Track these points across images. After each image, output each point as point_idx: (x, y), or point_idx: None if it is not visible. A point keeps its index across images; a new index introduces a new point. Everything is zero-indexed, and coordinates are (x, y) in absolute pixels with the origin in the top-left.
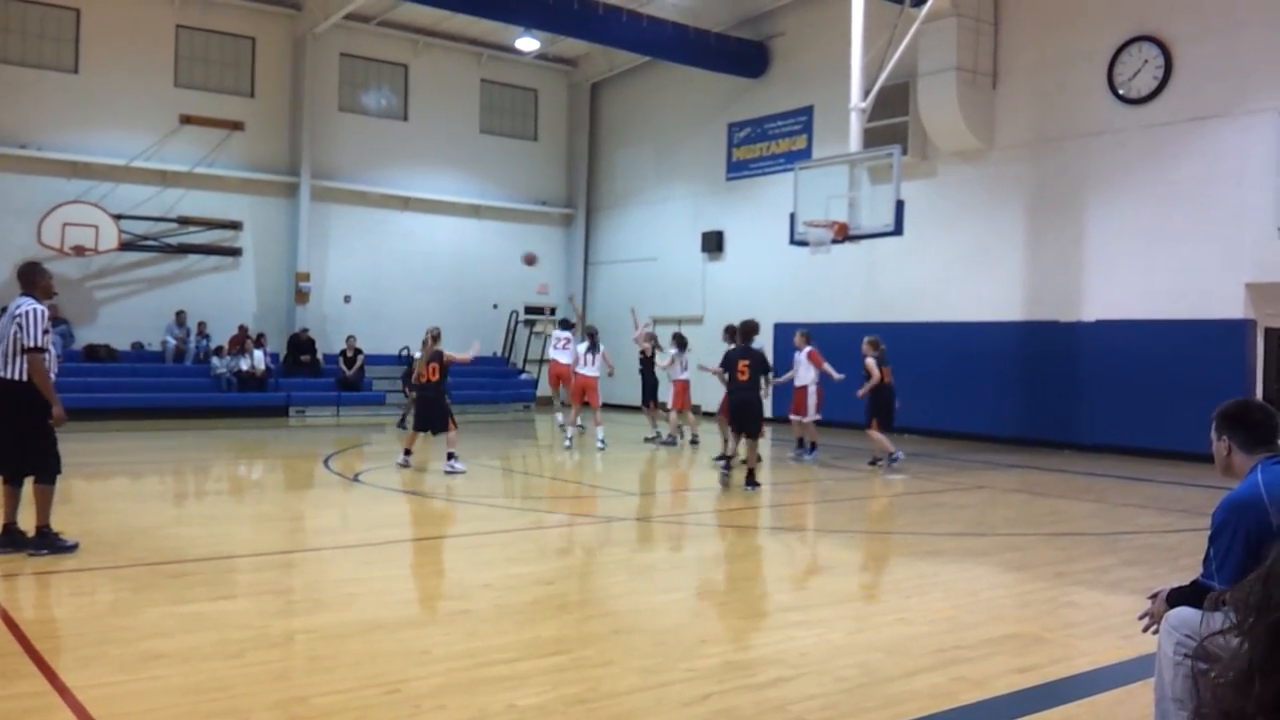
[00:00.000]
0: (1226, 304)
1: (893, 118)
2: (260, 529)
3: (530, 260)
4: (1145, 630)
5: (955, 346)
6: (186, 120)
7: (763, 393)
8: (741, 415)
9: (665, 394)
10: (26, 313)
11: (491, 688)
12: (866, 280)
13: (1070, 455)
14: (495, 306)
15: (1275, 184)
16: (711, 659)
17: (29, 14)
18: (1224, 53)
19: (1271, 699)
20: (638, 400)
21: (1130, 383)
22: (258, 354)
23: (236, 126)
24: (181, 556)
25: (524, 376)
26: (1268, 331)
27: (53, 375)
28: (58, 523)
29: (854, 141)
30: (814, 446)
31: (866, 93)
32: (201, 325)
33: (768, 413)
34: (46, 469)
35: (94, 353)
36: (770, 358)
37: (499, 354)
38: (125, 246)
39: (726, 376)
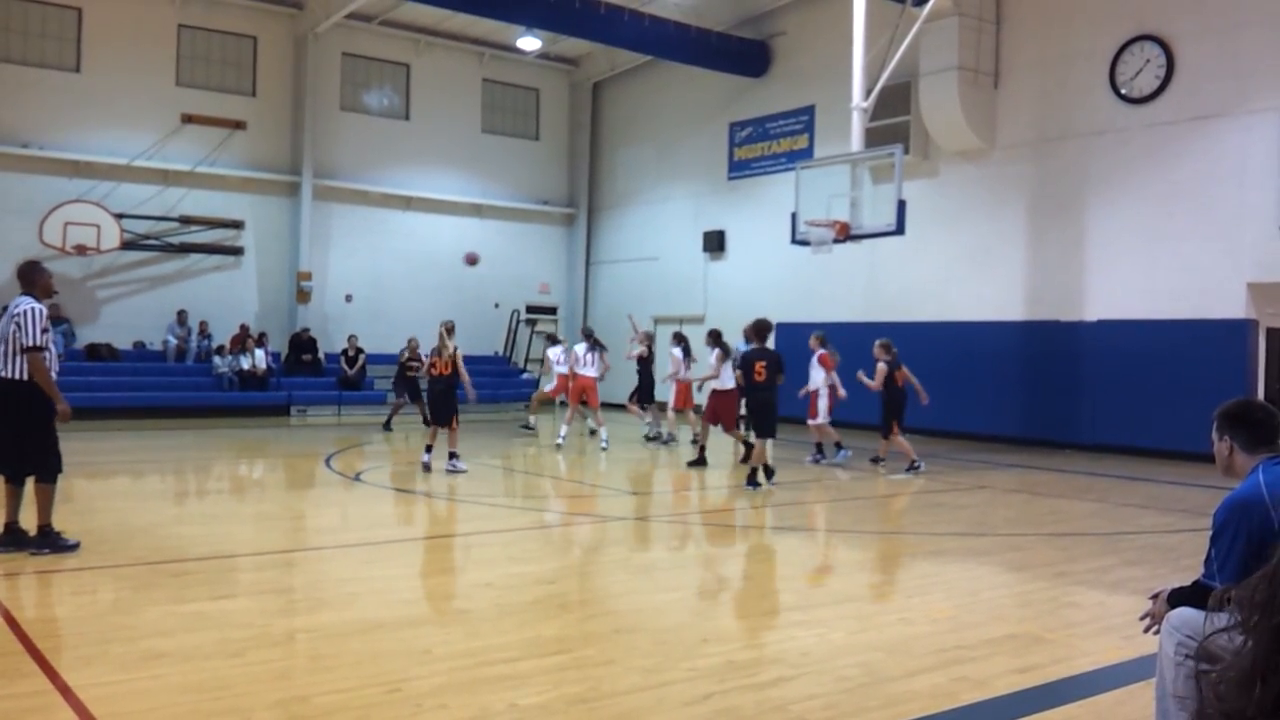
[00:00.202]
0: (1228, 304)
1: (894, 117)
2: (261, 528)
3: (472, 260)
4: (1146, 630)
5: (957, 346)
6: (188, 119)
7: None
8: (759, 416)
9: (665, 393)
10: (25, 312)
11: (493, 687)
12: (868, 280)
13: (1071, 455)
14: (496, 306)
15: (1277, 183)
16: (713, 658)
17: (31, 13)
18: (1226, 52)
19: (1272, 702)
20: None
21: (1132, 382)
22: (259, 353)
23: (238, 126)
24: (183, 555)
25: (525, 376)
26: (1269, 331)
27: (53, 374)
28: (59, 522)
29: (855, 141)
30: (840, 446)
31: (868, 92)
32: (203, 325)
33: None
34: (47, 468)
35: (95, 352)
36: None
37: (500, 353)
38: (127, 246)
39: (741, 377)
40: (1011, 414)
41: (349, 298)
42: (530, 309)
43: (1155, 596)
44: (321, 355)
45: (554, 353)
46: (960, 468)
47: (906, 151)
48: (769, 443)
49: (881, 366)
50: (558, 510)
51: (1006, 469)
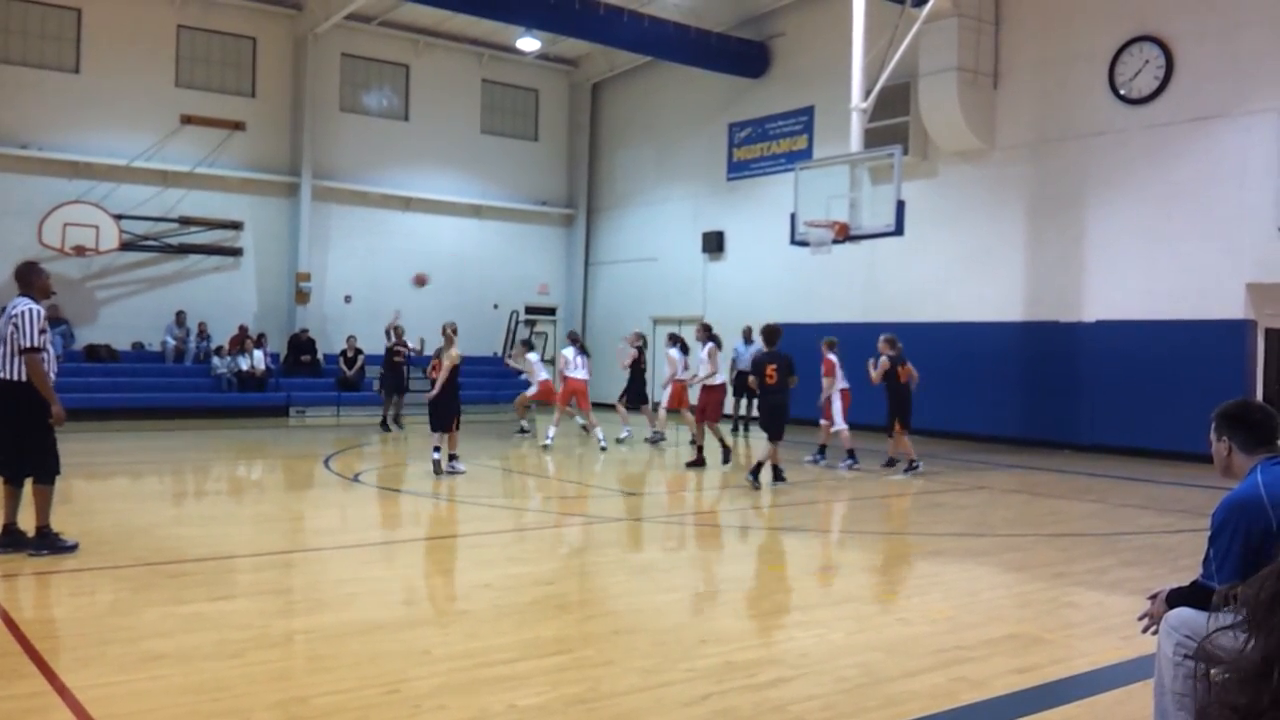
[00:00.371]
0: (1227, 304)
1: (894, 118)
2: (260, 529)
3: (420, 281)
4: (1145, 631)
5: (956, 347)
6: (187, 120)
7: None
8: (770, 418)
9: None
10: (23, 313)
11: (492, 688)
12: (867, 280)
13: (1070, 456)
14: (496, 306)
15: (1276, 184)
16: (711, 659)
17: (30, 14)
18: (1225, 53)
19: None
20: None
21: (1131, 383)
22: (258, 354)
23: (237, 127)
24: (181, 556)
25: (524, 377)
26: (1268, 332)
27: (52, 375)
28: (58, 523)
29: (855, 141)
30: (851, 454)
31: (867, 93)
32: (202, 325)
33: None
34: (46, 469)
35: (94, 353)
36: None
37: (499, 354)
38: (126, 247)
39: (754, 380)
40: (1011, 415)
41: (348, 299)
42: (529, 310)
43: (1154, 597)
44: (320, 356)
45: (534, 357)
46: (959, 468)
47: (906, 152)
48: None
49: (884, 360)
50: (556, 511)
51: (1005, 469)
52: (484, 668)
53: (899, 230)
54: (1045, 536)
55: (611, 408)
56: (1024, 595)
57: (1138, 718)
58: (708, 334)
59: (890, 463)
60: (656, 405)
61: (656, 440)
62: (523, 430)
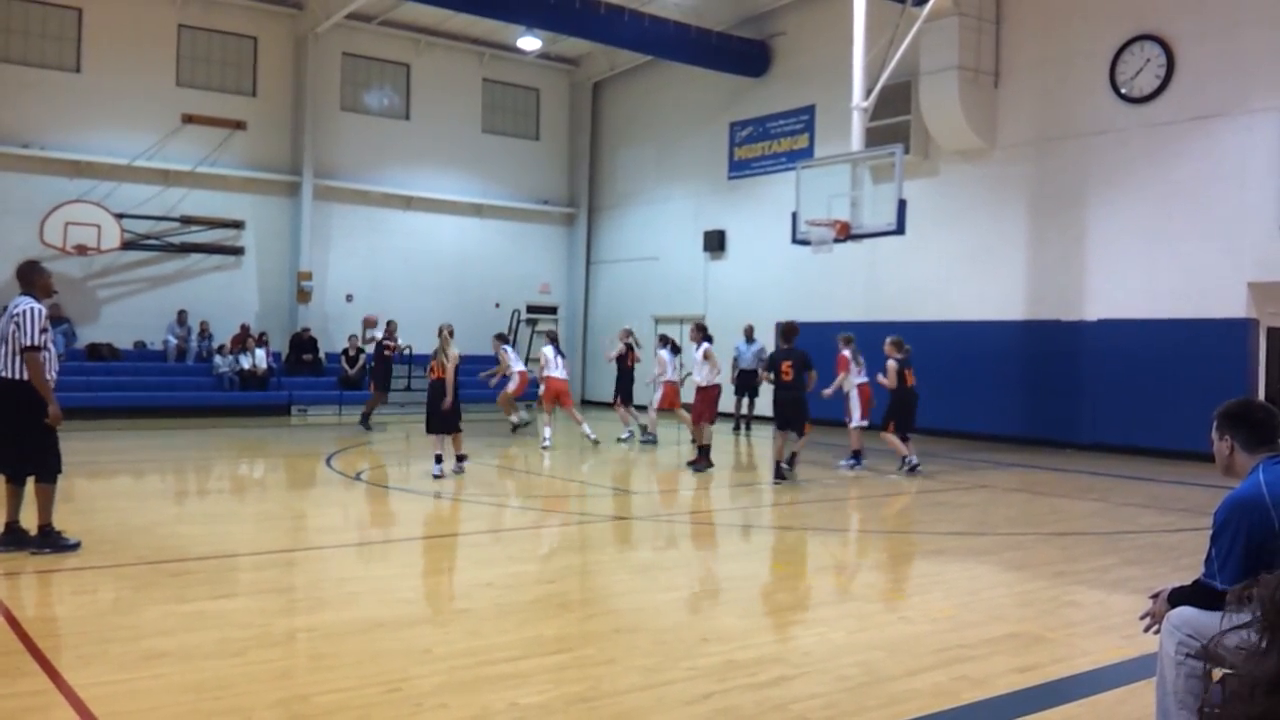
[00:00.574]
0: (1228, 303)
1: (895, 117)
2: (262, 528)
3: (370, 323)
4: (1147, 630)
5: (957, 346)
6: (188, 120)
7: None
8: (787, 413)
9: (645, 395)
10: (24, 312)
11: (493, 686)
12: (868, 279)
13: (1072, 454)
14: (497, 305)
15: (1277, 183)
16: (713, 658)
17: (31, 13)
18: (1226, 52)
19: None
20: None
21: (1132, 382)
22: (260, 353)
23: (238, 126)
24: (183, 555)
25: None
26: (1270, 331)
27: (53, 374)
28: (59, 521)
29: (856, 140)
30: (856, 455)
31: (868, 92)
32: (204, 324)
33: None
34: (47, 468)
35: (96, 352)
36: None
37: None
38: (127, 246)
39: (771, 377)
40: (1012, 413)
41: (349, 297)
42: (531, 309)
43: (1155, 596)
44: (322, 355)
45: (509, 350)
46: (961, 467)
47: (907, 151)
48: (803, 439)
49: (892, 364)
50: (557, 510)
51: (1007, 468)
52: (485, 666)
53: (900, 229)
54: (1047, 535)
55: (608, 406)
56: (1025, 594)
57: (1139, 717)
58: (702, 335)
59: (913, 468)
60: (642, 408)
61: (642, 438)
62: (515, 427)
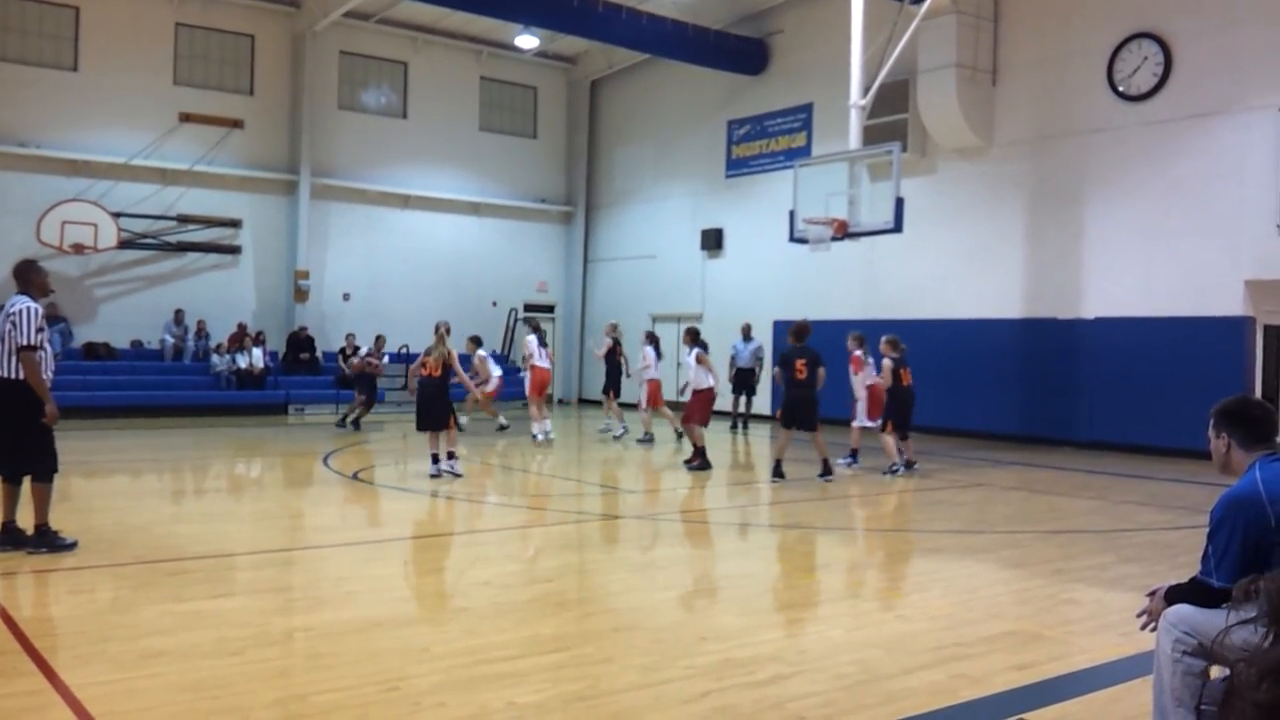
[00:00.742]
0: (1226, 301)
1: (892, 115)
2: (259, 527)
3: (352, 373)
4: (1144, 628)
5: (955, 344)
6: (186, 118)
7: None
8: (801, 412)
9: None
10: (20, 311)
11: (491, 685)
12: (866, 277)
13: (1069, 452)
14: (494, 304)
15: (1275, 181)
16: (710, 656)
17: (28, 12)
18: (1223, 50)
19: None
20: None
21: (1129, 380)
22: (257, 352)
23: (236, 124)
24: (180, 554)
25: (523, 375)
26: (1267, 328)
27: (49, 373)
28: (56, 521)
29: (853, 139)
30: (854, 454)
31: (866, 90)
32: (201, 323)
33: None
34: (44, 467)
35: (93, 351)
36: (768, 356)
37: (498, 352)
38: (124, 245)
39: (783, 375)
40: (1010, 411)
41: (347, 296)
42: (528, 307)
43: (1153, 593)
44: (319, 354)
45: (485, 353)
46: (958, 465)
47: (904, 149)
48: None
49: (887, 363)
50: (555, 509)
51: (1005, 466)
52: (483, 665)
53: (898, 227)
54: (1044, 533)
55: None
56: (1023, 592)
57: (1136, 714)
58: (694, 339)
59: (910, 464)
60: (630, 406)
61: (619, 435)
62: (502, 427)
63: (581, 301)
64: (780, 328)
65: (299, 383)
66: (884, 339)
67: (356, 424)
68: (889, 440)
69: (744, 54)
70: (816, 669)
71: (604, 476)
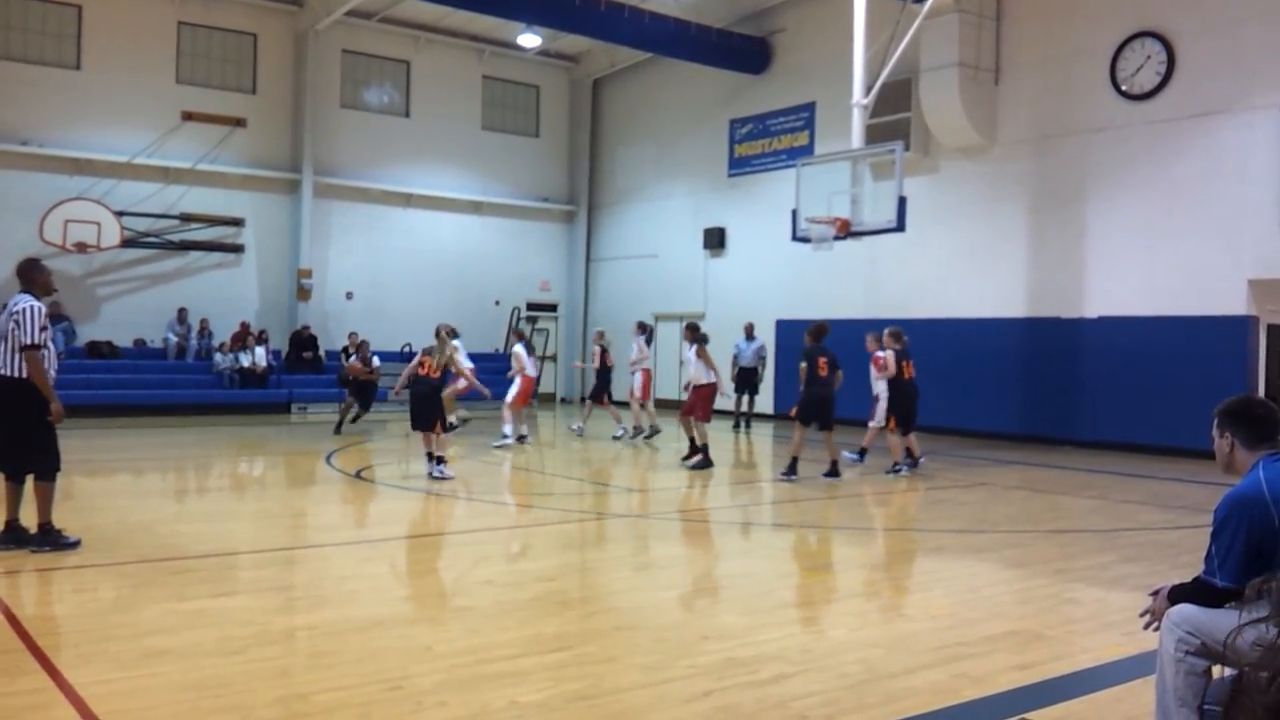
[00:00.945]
0: (1229, 300)
1: (895, 114)
2: (262, 525)
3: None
4: (1146, 627)
5: (957, 343)
6: (188, 117)
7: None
8: (821, 409)
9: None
10: (24, 310)
11: (493, 684)
12: (869, 277)
13: (1071, 452)
14: (497, 303)
15: (1277, 180)
16: (713, 655)
17: (31, 10)
18: (1226, 49)
19: None
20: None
21: (1132, 379)
22: (259, 351)
23: (238, 123)
24: (183, 553)
25: (513, 381)
26: (1270, 328)
27: (52, 372)
28: (59, 519)
29: (856, 138)
30: (863, 452)
31: (868, 89)
32: (204, 322)
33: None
34: (47, 466)
35: (96, 349)
36: (771, 355)
37: (501, 350)
38: (127, 243)
39: (808, 372)
40: (1012, 411)
41: (349, 295)
42: (531, 306)
43: (1155, 593)
44: (322, 353)
45: (463, 360)
46: (960, 464)
47: (907, 148)
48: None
49: (890, 354)
50: (556, 508)
51: (1006, 466)
52: (485, 664)
53: (900, 226)
54: (1046, 533)
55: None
56: (1025, 591)
57: (1139, 714)
58: (694, 335)
59: (914, 463)
60: (622, 404)
61: (650, 434)
62: (453, 426)
63: (584, 301)
64: (783, 327)
65: (302, 381)
66: (886, 331)
67: (342, 425)
68: (895, 439)
69: (746, 53)
70: (819, 668)
71: (604, 475)
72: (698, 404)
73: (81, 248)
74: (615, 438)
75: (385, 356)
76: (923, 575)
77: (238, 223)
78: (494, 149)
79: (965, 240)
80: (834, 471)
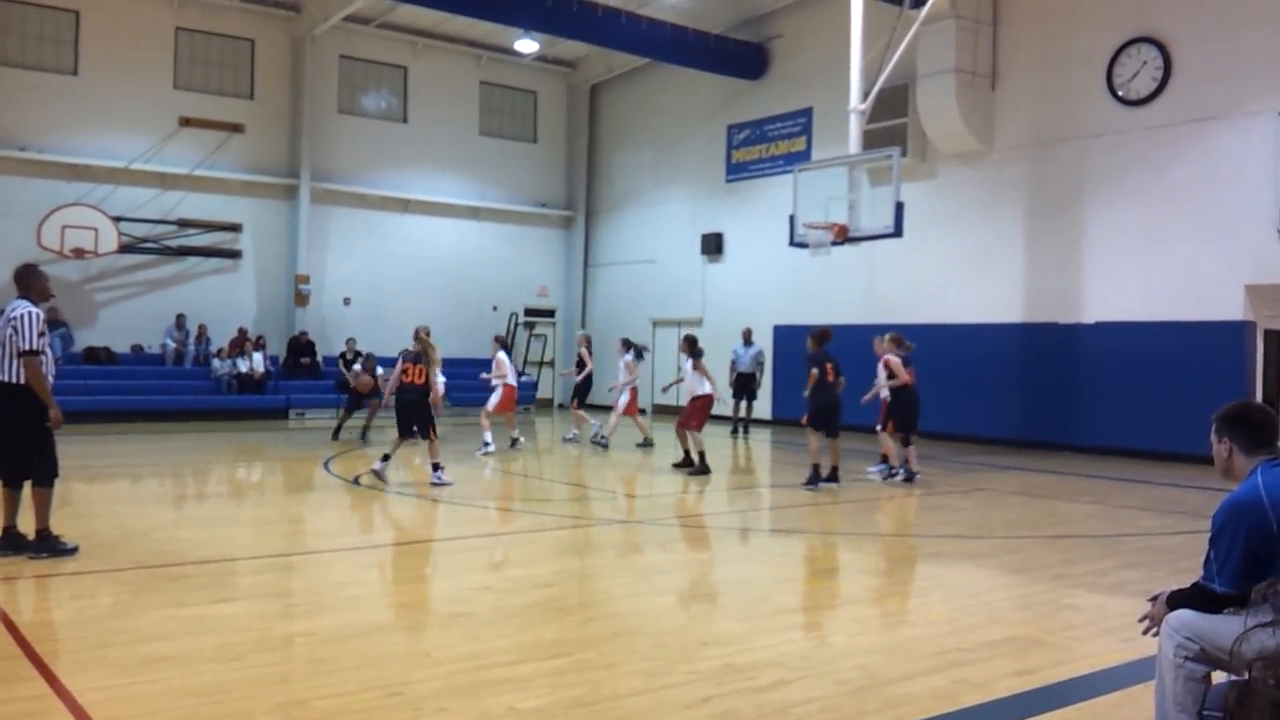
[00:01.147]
0: (1226, 306)
1: (892, 119)
2: (260, 531)
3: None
4: (1145, 633)
5: (955, 348)
6: (186, 122)
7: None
8: (830, 415)
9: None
10: (21, 315)
11: (492, 690)
12: (866, 282)
13: (1069, 457)
14: (495, 309)
15: (1275, 185)
16: (712, 661)
17: (28, 16)
18: (1223, 54)
19: None
20: (611, 403)
21: (1130, 385)
22: (257, 356)
23: (236, 129)
24: (181, 559)
25: (524, 379)
26: (1267, 333)
27: (50, 378)
28: (57, 525)
29: (853, 143)
30: (884, 461)
31: (866, 94)
32: (202, 328)
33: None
34: (45, 472)
35: (94, 355)
36: (769, 361)
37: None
38: (125, 249)
39: (816, 374)
40: (1010, 416)
41: (347, 301)
42: (529, 311)
43: (1154, 599)
44: (320, 358)
45: (506, 359)
46: (958, 470)
47: (904, 154)
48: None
49: (895, 359)
50: (555, 514)
51: (1005, 471)
52: (485, 670)
53: (898, 232)
54: (1045, 538)
55: (596, 409)
56: (1024, 597)
57: None
58: (692, 349)
59: (909, 476)
60: (604, 408)
61: (598, 440)
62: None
63: (582, 306)
64: (781, 332)
65: (299, 387)
66: (888, 336)
67: (340, 430)
68: (889, 441)
69: (744, 59)
70: (818, 674)
71: (601, 481)
72: (693, 415)
73: (79, 253)
74: (566, 440)
75: (382, 362)
76: (922, 581)
77: (235, 228)
78: (492, 154)
79: (963, 246)
80: (834, 478)
